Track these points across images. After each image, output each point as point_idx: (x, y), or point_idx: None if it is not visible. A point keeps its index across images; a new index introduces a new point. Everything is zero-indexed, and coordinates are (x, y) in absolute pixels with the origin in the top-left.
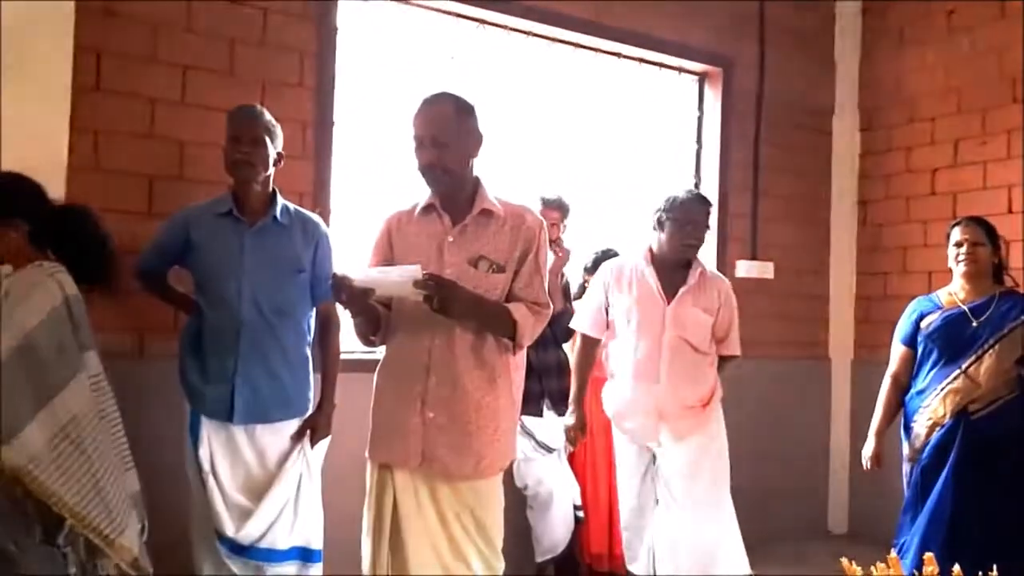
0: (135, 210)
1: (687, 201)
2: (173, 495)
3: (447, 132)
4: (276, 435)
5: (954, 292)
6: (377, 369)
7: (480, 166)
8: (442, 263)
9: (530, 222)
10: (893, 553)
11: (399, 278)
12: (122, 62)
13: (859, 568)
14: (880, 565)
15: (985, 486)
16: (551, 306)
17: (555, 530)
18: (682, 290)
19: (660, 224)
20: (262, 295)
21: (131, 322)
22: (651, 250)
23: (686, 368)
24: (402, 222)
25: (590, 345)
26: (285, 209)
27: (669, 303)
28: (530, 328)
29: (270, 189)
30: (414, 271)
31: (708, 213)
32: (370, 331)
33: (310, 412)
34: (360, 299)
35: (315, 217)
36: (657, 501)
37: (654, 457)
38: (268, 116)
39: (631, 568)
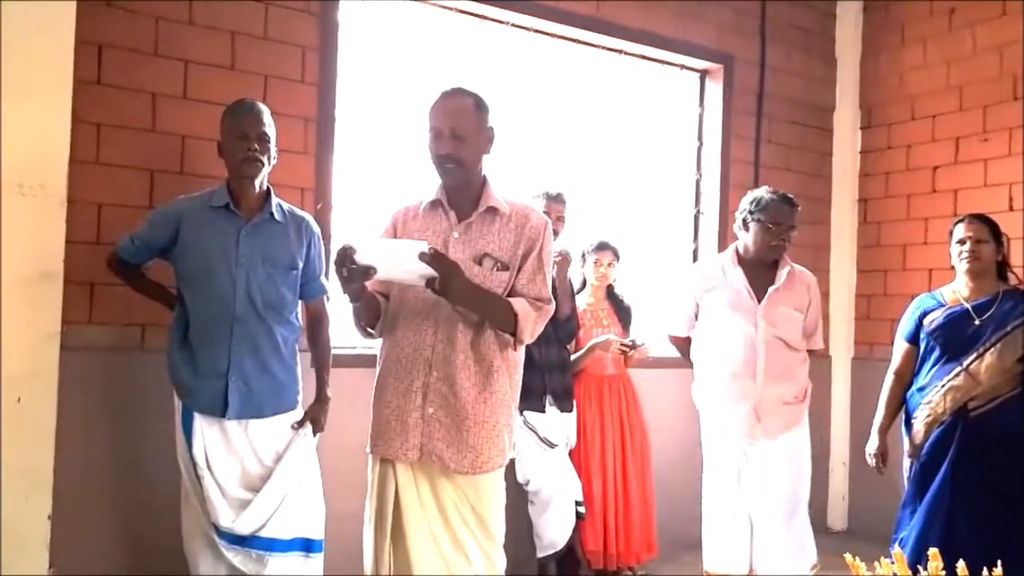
0: (136, 204)
1: (774, 203)
2: (173, 486)
3: (465, 125)
4: (269, 429)
5: (957, 290)
6: (379, 363)
7: (486, 162)
8: None
9: (535, 221)
10: (897, 548)
11: (404, 250)
12: (124, 56)
13: (863, 564)
14: (884, 561)
15: (983, 483)
16: (553, 303)
17: (556, 526)
18: (771, 289)
19: (746, 225)
20: (256, 290)
21: (133, 317)
22: (737, 251)
23: (782, 366)
24: (408, 217)
25: (686, 343)
26: (279, 206)
27: (759, 303)
28: (531, 323)
29: (265, 186)
30: (420, 244)
31: (794, 214)
32: (368, 322)
33: (299, 405)
34: (359, 277)
35: (307, 216)
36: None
37: (744, 454)
38: (268, 111)
39: (707, 566)
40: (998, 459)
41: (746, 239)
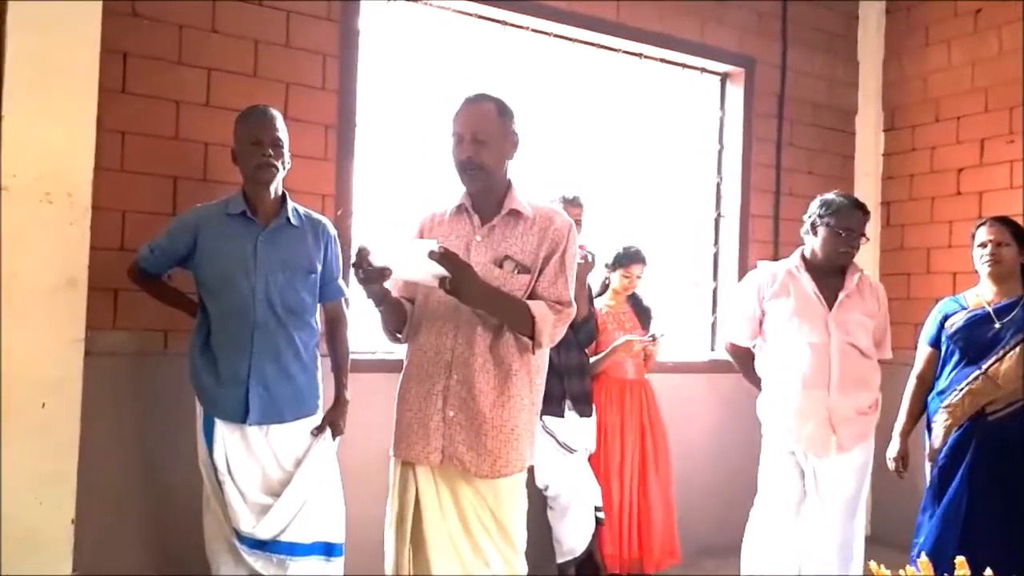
0: (159, 211)
1: (845, 207)
2: (194, 490)
3: (488, 131)
4: (290, 434)
5: (981, 293)
6: (403, 366)
7: (511, 167)
8: (469, 262)
9: (559, 224)
10: (923, 556)
11: (416, 249)
12: (148, 64)
13: (887, 571)
14: (909, 568)
15: (1000, 487)
16: (574, 306)
17: (576, 532)
18: (842, 295)
19: (814, 229)
20: (275, 295)
21: (157, 322)
22: (803, 256)
23: (855, 374)
24: (434, 222)
25: (746, 355)
26: (296, 211)
27: (830, 310)
28: (550, 326)
29: (281, 191)
30: (430, 243)
31: (865, 220)
32: (395, 327)
33: (320, 410)
34: (375, 278)
35: (324, 219)
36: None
37: (803, 470)
38: (280, 116)
39: (746, 571)
40: (1015, 463)
41: (814, 244)
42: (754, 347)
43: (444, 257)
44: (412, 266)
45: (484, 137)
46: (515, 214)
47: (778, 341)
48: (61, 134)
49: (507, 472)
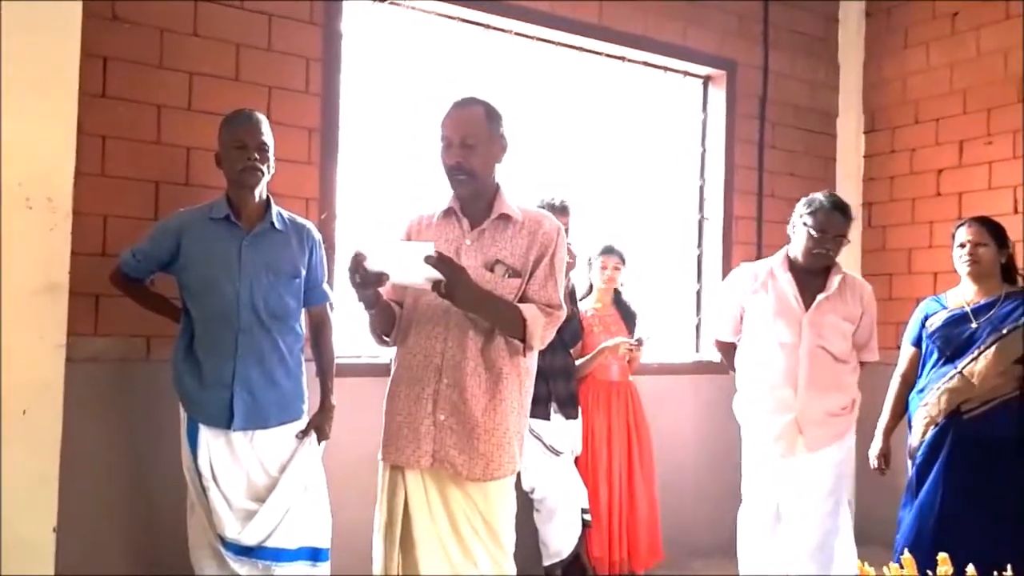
0: (141, 216)
1: (823, 209)
2: (177, 496)
3: (477, 135)
4: (275, 440)
5: (962, 293)
6: (392, 370)
7: (499, 170)
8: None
9: (548, 227)
10: (907, 553)
11: (411, 252)
12: (129, 68)
13: (871, 569)
14: (893, 565)
15: (974, 485)
16: (564, 309)
17: (562, 534)
18: (820, 297)
19: (795, 228)
20: (260, 300)
21: (139, 328)
22: (788, 255)
23: (825, 377)
24: (422, 225)
25: (732, 350)
26: (280, 215)
27: (806, 311)
28: (540, 329)
29: (265, 195)
30: (427, 246)
31: (845, 223)
32: (384, 330)
33: (305, 415)
34: (371, 283)
35: (308, 223)
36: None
37: (779, 468)
38: (266, 120)
39: (743, 571)
40: (989, 461)
41: (795, 243)
42: (739, 340)
43: (440, 261)
44: (406, 269)
45: (473, 141)
46: (504, 218)
47: (753, 339)
48: (41, 139)
49: (499, 475)
